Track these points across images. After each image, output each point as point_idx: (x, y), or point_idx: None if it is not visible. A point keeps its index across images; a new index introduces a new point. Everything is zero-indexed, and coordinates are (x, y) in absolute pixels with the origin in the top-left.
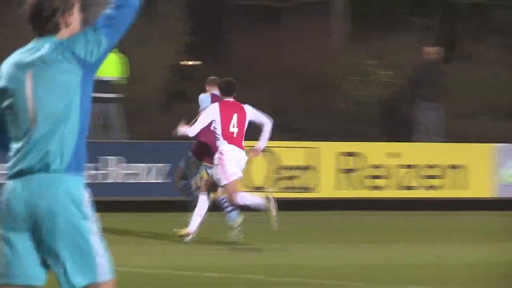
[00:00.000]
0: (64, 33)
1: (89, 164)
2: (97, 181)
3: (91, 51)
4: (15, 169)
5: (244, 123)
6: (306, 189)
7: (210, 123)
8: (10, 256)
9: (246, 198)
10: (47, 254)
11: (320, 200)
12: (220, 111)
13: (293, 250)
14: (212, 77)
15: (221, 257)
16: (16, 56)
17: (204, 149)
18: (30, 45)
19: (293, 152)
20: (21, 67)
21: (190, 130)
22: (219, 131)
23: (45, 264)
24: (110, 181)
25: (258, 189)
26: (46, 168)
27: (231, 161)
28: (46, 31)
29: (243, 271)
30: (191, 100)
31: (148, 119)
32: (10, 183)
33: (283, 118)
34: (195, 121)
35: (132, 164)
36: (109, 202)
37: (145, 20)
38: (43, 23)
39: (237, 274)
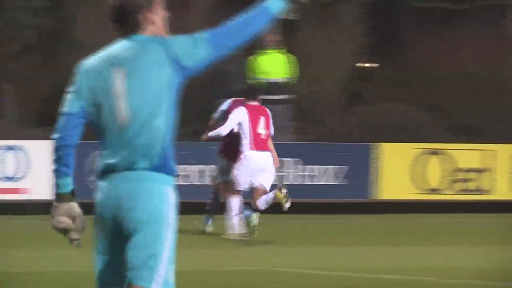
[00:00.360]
0: (149, 31)
1: None
2: (274, 183)
3: (191, 55)
4: (103, 168)
5: (270, 125)
6: (481, 192)
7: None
8: (101, 263)
9: (233, 206)
10: (125, 250)
11: (496, 203)
12: (248, 114)
13: (466, 252)
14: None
15: (392, 259)
16: (104, 54)
17: (230, 146)
18: (117, 43)
19: (469, 154)
20: (111, 65)
21: (222, 130)
22: (246, 132)
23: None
24: (287, 183)
25: (433, 191)
26: (131, 167)
27: (246, 171)
28: (130, 29)
29: (416, 273)
30: (368, 102)
31: (326, 120)
32: (98, 183)
33: (458, 120)
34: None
35: (308, 166)
36: None
37: (324, 21)
38: (127, 21)
39: (410, 276)
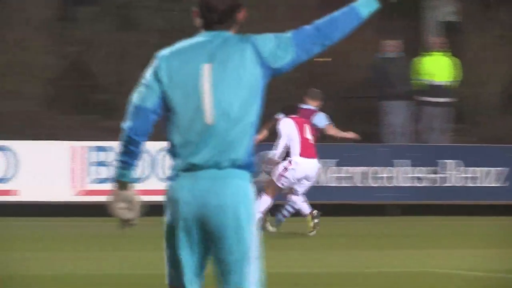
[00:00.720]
0: (234, 30)
1: (428, 168)
2: (436, 185)
3: (277, 56)
4: (184, 165)
5: (313, 131)
6: None
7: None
8: (177, 260)
9: (264, 203)
10: (209, 251)
11: None
12: (295, 123)
13: None
14: (316, 90)
15: None
16: (186, 48)
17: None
18: (201, 38)
19: None
20: (196, 59)
21: (277, 153)
22: (295, 139)
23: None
24: (449, 185)
25: None
26: (218, 165)
27: (294, 174)
28: (221, 26)
29: None
30: None
31: (487, 122)
32: (176, 181)
33: None
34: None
35: (470, 168)
36: (448, 206)
37: (485, 23)
38: (223, 17)
39: None
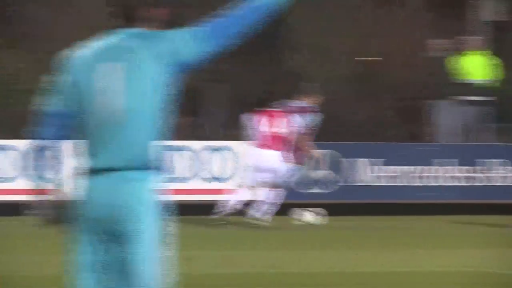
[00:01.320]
0: (148, 27)
1: (469, 167)
2: (477, 184)
3: (184, 50)
4: (92, 167)
5: (278, 124)
6: None
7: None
8: (85, 266)
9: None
10: (113, 253)
11: None
12: (256, 117)
13: None
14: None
15: None
16: (93, 47)
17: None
18: (109, 36)
19: None
20: (100, 58)
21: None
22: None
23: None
24: (492, 184)
25: None
26: (123, 166)
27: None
28: (130, 23)
29: None
30: None
31: None
32: (84, 181)
33: None
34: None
35: None
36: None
37: None
38: (129, 14)
39: None
